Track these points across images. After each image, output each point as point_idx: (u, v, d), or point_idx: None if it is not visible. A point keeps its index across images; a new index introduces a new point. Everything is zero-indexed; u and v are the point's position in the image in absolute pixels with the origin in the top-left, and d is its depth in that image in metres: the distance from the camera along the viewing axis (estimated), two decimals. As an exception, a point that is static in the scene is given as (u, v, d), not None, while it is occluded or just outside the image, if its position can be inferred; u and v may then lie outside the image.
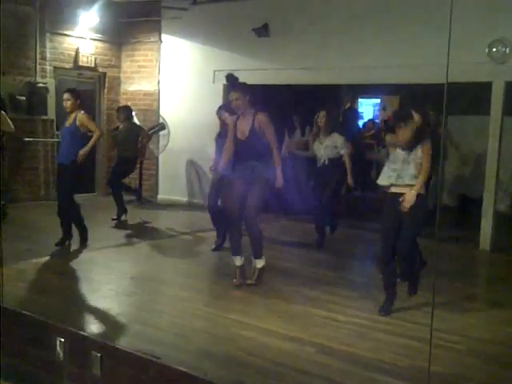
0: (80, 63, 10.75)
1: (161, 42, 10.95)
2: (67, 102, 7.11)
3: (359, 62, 8.60)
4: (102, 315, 4.84)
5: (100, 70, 11.20)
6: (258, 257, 5.91)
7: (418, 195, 5.02)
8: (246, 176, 5.80)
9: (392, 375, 3.85)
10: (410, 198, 4.98)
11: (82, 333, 4.39)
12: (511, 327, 5.01)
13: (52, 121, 10.30)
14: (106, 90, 11.38)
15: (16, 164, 9.56)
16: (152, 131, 9.99)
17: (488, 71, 7.58)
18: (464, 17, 7.13)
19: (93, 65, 10.98)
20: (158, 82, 11.07)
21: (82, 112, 7.13)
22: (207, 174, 10.59)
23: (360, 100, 14.88)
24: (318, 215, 7.72)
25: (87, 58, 10.84)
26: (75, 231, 7.22)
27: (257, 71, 9.46)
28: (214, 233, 7.60)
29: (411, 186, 5.01)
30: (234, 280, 5.88)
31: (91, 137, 7.14)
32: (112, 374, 4.14)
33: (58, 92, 10.46)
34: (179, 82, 10.81)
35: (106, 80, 11.35)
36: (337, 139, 7.52)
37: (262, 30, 9.47)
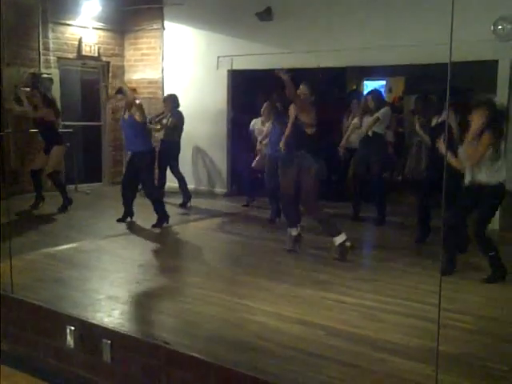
0: (83, 53, 10.73)
1: (163, 29, 10.91)
2: (120, 101, 7.87)
3: (363, 44, 8.53)
4: (111, 303, 4.85)
5: (103, 59, 11.17)
6: (333, 235, 6.32)
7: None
8: (293, 162, 6.38)
9: (402, 356, 3.85)
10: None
11: (91, 321, 4.42)
12: (521, 306, 5.00)
13: (57, 111, 10.29)
14: (109, 79, 11.35)
15: (22, 156, 9.57)
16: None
17: (493, 49, 7.50)
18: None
19: (96, 54, 10.96)
20: (162, 70, 11.06)
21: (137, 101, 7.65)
22: (213, 160, 10.64)
23: (365, 82, 14.79)
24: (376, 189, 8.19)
25: (90, 47, 10.82)
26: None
27: (261, 56, 9.43)
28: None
29: None
30: (289, 246, 6.57)
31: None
32: (122, 360, 4.18)
33: (62, 82, 10.46)
34: (183, 69, 10.78)
35: (110, 69, 11.33)
36: (383, 112, 7.99)
37: (265, 14, 9.41)
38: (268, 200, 8.42)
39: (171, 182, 9.63)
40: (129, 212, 7.87)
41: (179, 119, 9.44)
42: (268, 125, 8.49)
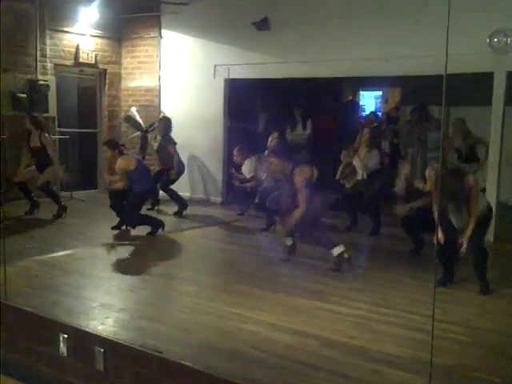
0: (80, 60, 10.73)
1: (161, 37, 10.92)
2: (106, 153, 7.85)
3: (360, 55, 8.57)
4: (105, 311, 4.84)
5: (100, 66, 11.17)
6: (329, 248, 6.33)
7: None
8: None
9: (395, 367, 3.84)
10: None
11: (85, 329, 4.41)
12: (515, 318, 5.01)
13: (53, 118, 10.29)
14: (106, 87, 11.36)
15: (17, 162, 9.53)
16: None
17: (489, 62, 7.54)
18: (464, 7, 7.10)
19: (93, 61, 10.96)
20: (159, 78, 11.06)
21: (119, 160, 7.66)
22: (209, 169, 10.64)
23: (362, 93, 14.86)
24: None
25: (87, 54, 10.83)
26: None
27: (257, 65, 9.46)
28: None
29: None
30: (283, 255, 6.59)
31: None
32: (115, 369, 4.16)
33: (58, 89, 10.47)
34: (180, 78, 10.79)
35: (107, 76, 11.34)
36: (374, 156, 8.25)
37: (262, 24, 9.43)
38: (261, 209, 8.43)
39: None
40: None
41: (163, 144, 9.44)
42: (248, 165, 9.00)
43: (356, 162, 8.32)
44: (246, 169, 9.04)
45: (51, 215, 8.64)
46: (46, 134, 8.93)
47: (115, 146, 7.83)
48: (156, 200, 9.55)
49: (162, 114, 10.36)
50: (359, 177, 8.27)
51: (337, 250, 6.27)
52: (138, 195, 7.61)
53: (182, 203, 9.38)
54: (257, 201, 8.30)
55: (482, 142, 7.98)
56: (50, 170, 8.91)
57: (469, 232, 5.37)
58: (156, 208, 9.44)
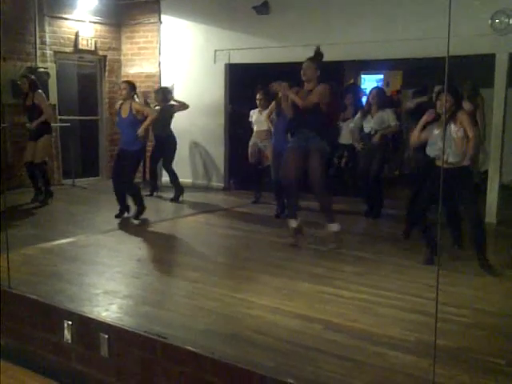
0: (80, 47, 10.70)
1: (160, 22, 10.87)
2: (123, 90, 7.69)
3: (361, 38, 8.52)
4: (108, 297, 4.85)
5: (100, 53, 11.14)
6: (330, 221, 6.37)
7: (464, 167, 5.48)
8: (301, 145, 6.26)
9: (400, 349, 3.85)
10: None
11: (89, 315, 4.42)
12: (519, 299, 5.01)
13: (54, 106, 10.25)
14: (106, 73, 11.33)
15: (19, 150, 9.53)
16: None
17: (491, 43, 7.49)
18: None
19: (93, 48, 10.92)
20: (159, 64, 11.02)
21: (136, 100, 7.70)
22: (211, 155, 10.62)
23: (363, 76, 14.78)
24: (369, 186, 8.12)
25: (87, 41, 10.79)
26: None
27: (257, 49, 9.41)
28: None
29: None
30: (292, 240, 6.46)
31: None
32: (120, 355, 4.18)
33: (59, 76, 10.43)
34: (180, 63, 10.75)
35: (107, 63, 11.30)
36: (386, 114, 7.92)
37: (262, 8, 9.38)
38: (274, 195, 8.29)
39: (168, 177, 9.60)
40: (124, 208, 7.84)
41: (162, 113, 9.19)
42: (265, 114, 8.53)
43: (367, 121, 8.04)
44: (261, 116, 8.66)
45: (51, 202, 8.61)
46: (40, 91, 8.75)
47: (134, 87, 7.89)
48: (156, 186, 9.51)
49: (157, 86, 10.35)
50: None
51: (335, 227, 6.35)
52: (126, 157, 7.59)
53: (179, 188, 9.31)
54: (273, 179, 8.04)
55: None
56: (44, 142, 8.74)
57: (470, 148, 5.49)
58: (155, 194, 9.41)
